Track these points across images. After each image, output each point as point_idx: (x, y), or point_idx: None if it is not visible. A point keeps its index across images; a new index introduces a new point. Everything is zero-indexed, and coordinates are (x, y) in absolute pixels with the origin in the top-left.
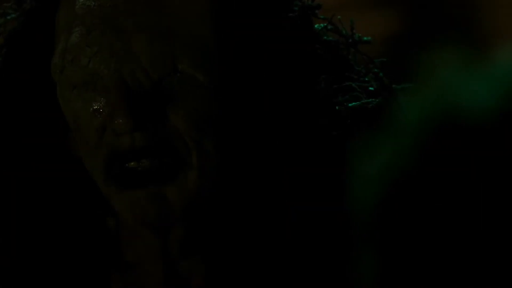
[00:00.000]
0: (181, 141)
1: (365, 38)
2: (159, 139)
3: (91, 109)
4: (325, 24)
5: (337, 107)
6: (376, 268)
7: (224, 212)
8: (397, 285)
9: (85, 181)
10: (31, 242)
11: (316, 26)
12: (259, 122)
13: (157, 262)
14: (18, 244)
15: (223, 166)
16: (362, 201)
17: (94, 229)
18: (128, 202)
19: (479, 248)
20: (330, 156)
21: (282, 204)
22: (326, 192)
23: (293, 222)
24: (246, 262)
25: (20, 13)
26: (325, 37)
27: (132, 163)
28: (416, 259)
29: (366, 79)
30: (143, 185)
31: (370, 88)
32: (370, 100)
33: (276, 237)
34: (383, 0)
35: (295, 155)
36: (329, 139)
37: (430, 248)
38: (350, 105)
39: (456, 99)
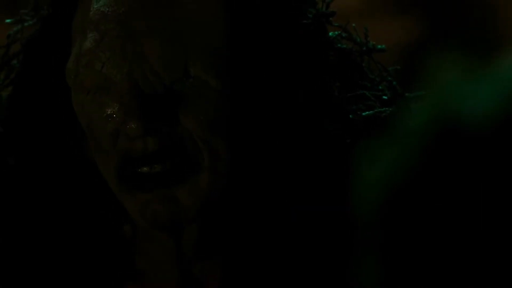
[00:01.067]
0: (192, 144)
1: (379, 46)
2: (171, 142)
3: (104, 114)
4: (339, 32)
5: (351, 116)
6: (379, 270)
7: (237, 214)
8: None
9: (102, 187)
10: (44, 247)
11: (330, 33)
12: (270, 125)
13: (172, 266)
14: (30, 249)
15: (234, 168)
16: (367, 203)
17: (109, 236)
18: (140, 205)
19: (484, 252)
20: (336, 159)
21: (289, 205)
22: (332, 194)
23: (301, 223)
24: (259, 265)
25: (37, 20)
26: (339, 45)
27: (145, 168)
28: (419, 262)
29: (380, 87)
30: (155, 187)
31: (384, 97)
32: (384, 109)
33: (285, 239)
34: (399, 9)
35: (303, 157)
36: (336, 143)
37: (434, 251)
38: (364, 114)
39: (463, 105)
